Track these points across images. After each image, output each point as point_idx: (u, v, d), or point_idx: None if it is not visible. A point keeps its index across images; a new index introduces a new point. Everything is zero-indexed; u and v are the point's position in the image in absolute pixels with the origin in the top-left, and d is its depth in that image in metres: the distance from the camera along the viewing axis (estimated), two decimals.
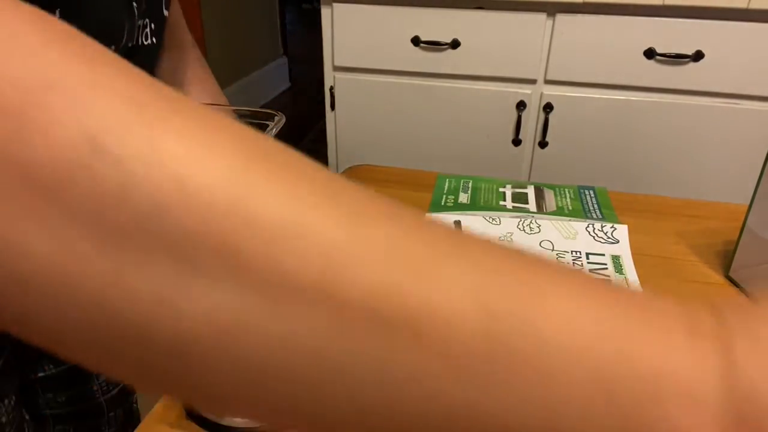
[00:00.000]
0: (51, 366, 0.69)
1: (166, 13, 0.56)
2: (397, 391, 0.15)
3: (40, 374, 0.69)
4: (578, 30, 1.35)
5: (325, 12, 1.48)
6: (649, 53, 1.32)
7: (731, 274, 0.69)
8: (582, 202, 0.85)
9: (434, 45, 1.44)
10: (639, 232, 0.77)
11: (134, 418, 0.86)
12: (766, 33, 1.26)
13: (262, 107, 0.61)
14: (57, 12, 0.41)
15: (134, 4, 0.50)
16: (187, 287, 0.15)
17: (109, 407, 0.78)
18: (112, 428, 0.80)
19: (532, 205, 0.84)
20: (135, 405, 0.85)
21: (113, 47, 0.46)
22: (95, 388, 0.75)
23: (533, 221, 0.78)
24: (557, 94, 1.42)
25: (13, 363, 0.59)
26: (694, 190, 1.43)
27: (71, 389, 0.73)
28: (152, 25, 0.54)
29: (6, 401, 0.56)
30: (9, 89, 0.15)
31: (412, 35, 1.44)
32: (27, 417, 0.64)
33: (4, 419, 0.56)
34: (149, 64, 0.57)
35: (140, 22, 0.52)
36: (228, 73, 2.95)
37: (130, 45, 0.50)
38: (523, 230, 0.77)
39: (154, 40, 0.55)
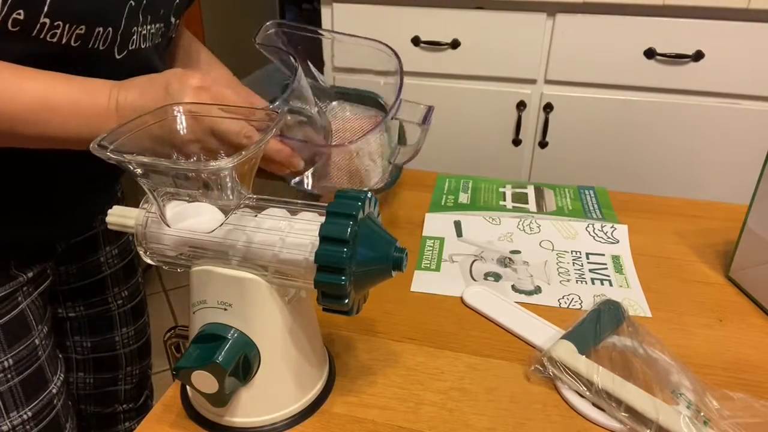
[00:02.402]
0: (81, 307, 0.80)
1: (173, 20, 0.63)
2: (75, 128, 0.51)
3: (71, 314, 0.80)
4: (578, 30, 1.35)
5: (325, 12, 1.48)
6: (649, 53, 1.32)
7: (731, 274, 0.69)
8: (582, 202, 0.85)
9: (434, 45, 1.44)
10: (639, 232, 0.77)
11: (148, 383, 0.95)
12: (766, 33, 1.26)
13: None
14: None
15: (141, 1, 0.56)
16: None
17: (127, 362, 0.87)
18: (128, 386, 0.89)
19: (532, 205, 0.84)
20: (150, 370, 0.93)
21: (110, 28, 0.54)
22: (117, 339, 0.84)
23: (533, 221, 0.78)
24: (557, 94, 1.42)
25: (48, 295, 0.70)
26: (694, 190, 1.42)
27: (96, 336, 0.83)
28: (162, 27, 0.62)
29: (39, 327, 0.67)
30: None
31: (412, 35, 1.44)
32: (61, 356, 0.72)
33: (37, 341, 0.66)
34: (160, 63, 0.65)
35: (157, 25, 0.60)
36: None
37: (147, 45, 0.60)
38: (523, 230, 0.77)
39: (161, 39, 0.62)
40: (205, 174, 0.42)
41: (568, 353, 0.52)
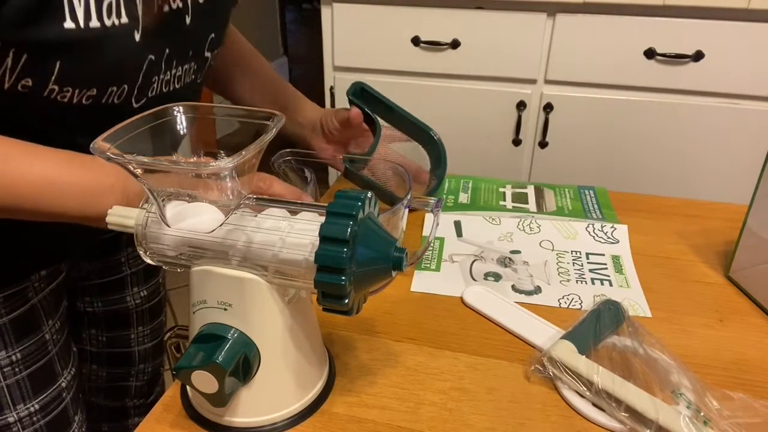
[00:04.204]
0: (99, 303, 0.81)
1: (208, 54, 0.63)
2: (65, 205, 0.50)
3: (88, 309, 0.81)
4: (578, 30, 1.35)
5: (325, 12, 1.48)
6: (649, 53, 1.32)
7: (731, 274, 0.69)
8: (582, 202, 0.85)
9: (434, 45, 1.44)
10: (639, 232, 0.77)
11: (159, 380, 0.96)
12: (766, 33, 1.26)
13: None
14: (57, 63, 0.47)
15: (166, 50, 0.55)
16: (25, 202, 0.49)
17: (140, 359, 0.88)
18: (139, 382, 0.90)
19: (532, 205, 0.84)
20: (162, 368, 0.94)
21: (125, 85, 0.53)
22: (132, 336, 0.85)
23: (533, 221, 0.78)
24: (557, 94, 1.42)
25: (62, 290, 0.71)
26: (694, 190, 1.43)
27: (112, 331, 0.84)
28: (195, 66, 0.61)
29: (51, 322, 0.66)
30: None
31: (412, 35, 1.44)
32: (75, 349, 0.73)
33: (48, 336, 0.65)
34: (192, 96, 0.64)
35: (186, 66, 0.59)
36: None
37: (175, 87, 0.59)
38: (523, 230, 0.77)
39: (194, 76, 0.62)
40: (205, 174, 0.42)
41: (568, 353, 0.52)
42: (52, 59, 0.47)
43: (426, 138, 0.85)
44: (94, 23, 0.47)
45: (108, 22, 0.48)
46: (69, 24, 0.46)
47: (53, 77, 0.48)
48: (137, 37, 0.51)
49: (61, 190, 0.49)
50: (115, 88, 0.52)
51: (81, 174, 0.50)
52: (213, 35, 0.63)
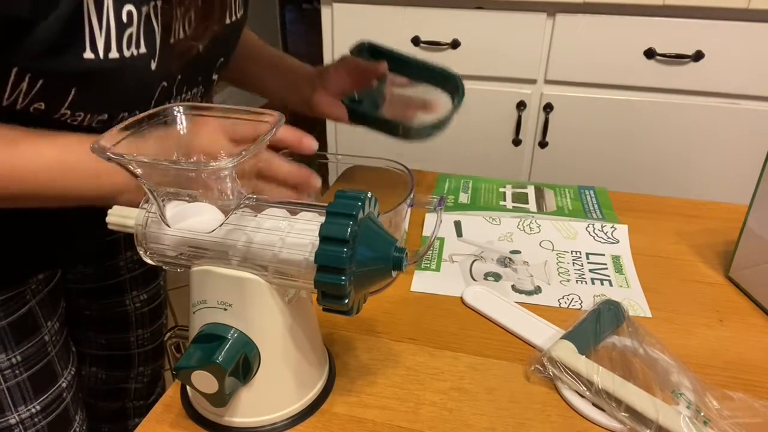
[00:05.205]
0: (96, 306, 0.81)
1: (215, 77, 0.64)
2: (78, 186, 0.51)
3: (86, 312, 0.81)
4: (578, 30, 1.35)
5: (325, 12, 1.48)
6: (649, 53, 1.32)
7: (731, 274, 0.68)
8: (582, 202, 0.85)
9: (434, 45, 1.44)
10: (639, 232, 0.77)
11: (160, 382, 0.96)
12: (766, 33, 1.26)
13: (262, 107, 0.61)
14: (73, 90, 0.48)
15: (179, 77, 0.56)
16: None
17: (140, 362, 0.88)
18: (138, 384, 0.90)
19: (532, 205, 0.84)
20: (162, 369, 0.94)
21: (136, 111, 0.52)
22: (132, 339, 0.85)
23: (533, 221, 0.78)
24: (557, 94, 1.42)
25: (60, 291, 0.70)
26: (694, 190, 1.43)
27: (110, 334, 0.84)
28: (202, 89, 0.63)
29: (49, 323, 0.67)
30: None
31: (412, 35, 1.44)
32: (74, 349, 0.73)
33: (47, 338, 0.66)
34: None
35: (195, 90, 0.60)
36: None
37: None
38: (523, 230, 0.77)
39: (200, 99, 0.64)
40: (205, 174, 0.42)
41: (568, 353, 0.52)
42: (67, 86, 0.48)
43: (443, 78, 0.81)
44: (114, 54, 0.48)
45: (127, 53, 0.49)
46: (88, 54, 0.46)
47: (67, 103, 0.48)
48: (153, 66, 0.52)
49: (75, 171, 0.49)
50: (126, 114, 0.53)
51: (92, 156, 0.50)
52: (223, 59, 0.64)
